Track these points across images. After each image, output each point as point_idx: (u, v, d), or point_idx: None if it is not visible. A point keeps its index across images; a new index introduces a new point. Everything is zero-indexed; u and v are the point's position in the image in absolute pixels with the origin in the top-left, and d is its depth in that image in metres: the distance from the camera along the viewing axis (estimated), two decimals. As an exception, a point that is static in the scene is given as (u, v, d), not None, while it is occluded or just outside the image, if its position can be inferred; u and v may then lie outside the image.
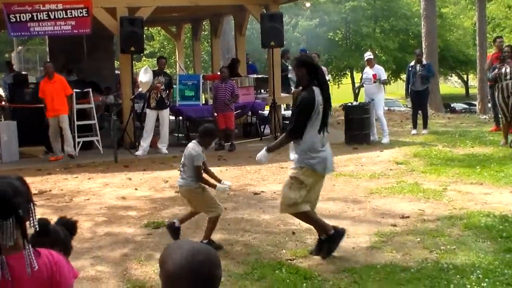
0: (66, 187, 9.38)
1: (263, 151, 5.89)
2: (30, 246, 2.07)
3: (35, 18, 12.06)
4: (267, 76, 14.82)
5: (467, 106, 35.00)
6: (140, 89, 12.89)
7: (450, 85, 59.67)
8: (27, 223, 2.12)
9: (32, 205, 2.15)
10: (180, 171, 6.17)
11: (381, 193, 8.28)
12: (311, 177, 5.70)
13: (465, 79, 51.48)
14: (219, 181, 6.15)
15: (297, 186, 5.68)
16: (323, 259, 5.74)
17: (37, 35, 15.19)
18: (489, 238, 6.13)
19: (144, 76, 12.03)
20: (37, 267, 2.07)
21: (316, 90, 5.66)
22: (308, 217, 5.87)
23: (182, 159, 6.14)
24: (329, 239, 5.82)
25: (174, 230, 6.22)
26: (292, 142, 5.85)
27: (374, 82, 12.85)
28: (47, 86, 11.75)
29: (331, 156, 5.91)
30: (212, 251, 1.95)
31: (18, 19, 11.97)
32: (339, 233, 5.83)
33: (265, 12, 13.71)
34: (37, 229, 2.18)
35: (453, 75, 52.61)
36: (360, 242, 6.21)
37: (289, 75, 15.65)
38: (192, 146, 6.05)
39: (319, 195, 6.08)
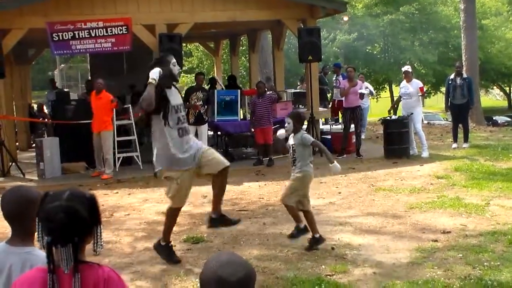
0: (107, 203, 9.50)
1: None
2: (79, 274, 2.13)
3: (77, 36, 12.28)
4: (305, 91, 14.81)
5: (509, 119, 34.30)
6: None
7: (491, 97, 58.68)
8: (91, 244, 2.21)
9: (97, 227, 2.22)
10: None
11: (422, 207, 8.17)
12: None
13: (508, 91, 50.55)
14: None
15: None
16: None
17: (78, 53, 15.42)
18: (534, 254, 5.98)
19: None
20: None
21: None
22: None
23: None
24: None
25: None
26: None
27: (421, 95, 13.20)
28: (93, 101, 11.89)
29: None
30: (244, 267, 1.94)
31: (61, 38, 12.20)
32: None
33: (302, 26, 13.72)
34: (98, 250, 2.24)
35: (494, 87, 51.73)
36: (401, 257, 6.13)
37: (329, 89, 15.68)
38: None
39: None
